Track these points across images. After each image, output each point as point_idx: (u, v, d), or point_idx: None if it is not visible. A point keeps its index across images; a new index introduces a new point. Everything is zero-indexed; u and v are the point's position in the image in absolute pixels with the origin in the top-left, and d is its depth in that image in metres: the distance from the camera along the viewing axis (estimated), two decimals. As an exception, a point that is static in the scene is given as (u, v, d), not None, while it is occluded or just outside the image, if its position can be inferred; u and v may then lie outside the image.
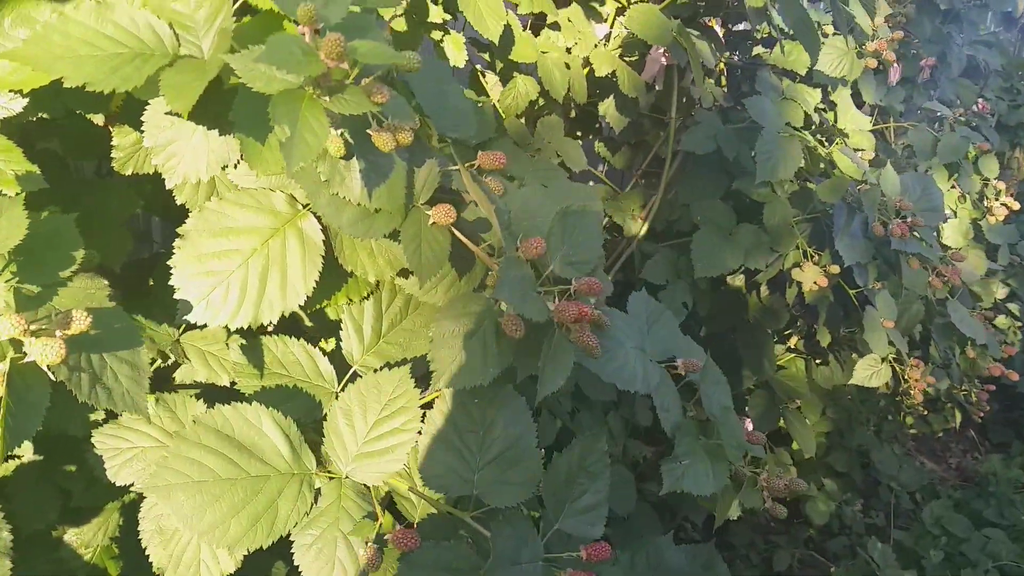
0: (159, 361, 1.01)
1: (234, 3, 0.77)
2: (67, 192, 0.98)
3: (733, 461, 1.07)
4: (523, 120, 1.68)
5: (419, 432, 0.86)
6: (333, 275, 0.90)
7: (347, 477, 0.85)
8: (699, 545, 1.77)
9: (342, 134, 0.71)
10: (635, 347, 1.05)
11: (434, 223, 0.82)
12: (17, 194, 0.72)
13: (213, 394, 1.02)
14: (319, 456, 0.86)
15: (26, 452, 0.93)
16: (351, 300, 0.96)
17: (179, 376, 1.01)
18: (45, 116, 0.82)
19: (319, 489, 0.84)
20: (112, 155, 0.89)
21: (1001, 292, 2.66)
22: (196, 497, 0.76)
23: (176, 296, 0.78)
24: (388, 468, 0.85)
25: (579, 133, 2.27)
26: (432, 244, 0.82)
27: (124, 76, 0.61)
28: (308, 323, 1.14)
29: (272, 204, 0.83)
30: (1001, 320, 2.91)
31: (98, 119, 0.83)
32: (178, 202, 0.89)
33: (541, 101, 1.63)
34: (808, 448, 2.47)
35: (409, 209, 0.81)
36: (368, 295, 0.98)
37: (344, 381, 0.96)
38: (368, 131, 0.70)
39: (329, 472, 0.85)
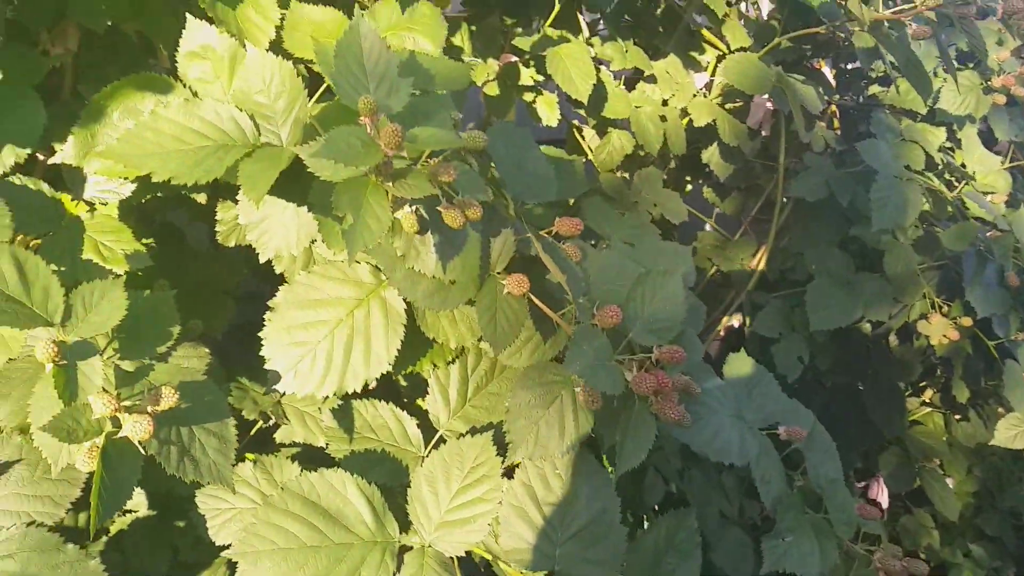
0: (261, 422, 1.06)
1: (320, 89, 0.81)
2: (180, 263, 1.06)
3: (843, 538, 1.00)
4: (622, 171, 1.67)
5: (500, 502, 0.86)
6: (418, 341, 0.92)
7: (430, 546, 0.85)
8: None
9: (416, 210, 0.73)
10: (731, 415, 1.00)
11: (508, 292, 0.82)
12: (124, 273, 0.78)
13: (311, 453, 1.06)
14: (404, 522, 0.87)
15: (140, 507, 0.99)
16: (436, 365, 0.97)
17: (279, 436, 1.05)
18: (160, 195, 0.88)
19: (403, 557, 0.85)
20: (216, 229, 0.95)
21: None
22: (281, 564, 0.78)
23: (266, 367, 0.82)
24: (470, 539, 0.85)
25: (688, 178, 2.23)
26: (508, 313, 0.82)
27: (207, 168, 0.65)
28: (403, 383, 1.17)
29: (357, 275, 0.86)
30: None
31: (201, 198, 0.89)
32: (277, 271, 0.93)
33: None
34: (950, 511, 2.27)
35: (484, 279, 0.82)
36: (454, 359, 0.99)
37: (431, 445, 0.97)
38: (438, 208, 0.71)
39: (412, 540, 0.86)
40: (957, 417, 2.34)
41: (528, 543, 0.84)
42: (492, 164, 0.93)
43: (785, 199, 1.81)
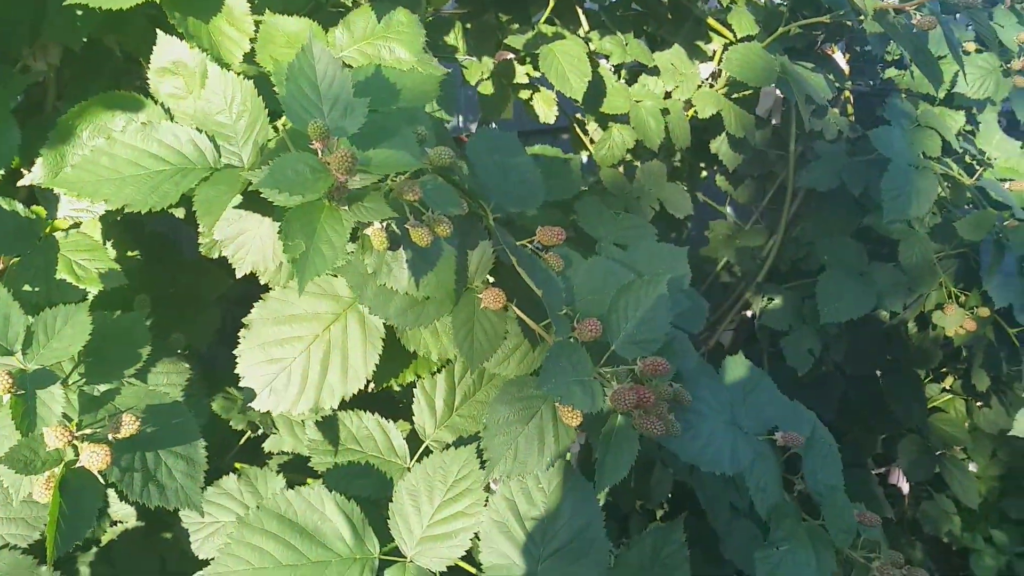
0: (249, 432, 1.06)
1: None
2: (168, 273, 1.05)
3: (840, 547, 0.97)
4: (633, 160, 1.64)
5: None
6: (399, 353, 0.91)
7: (411, 561, 0.85)
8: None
9: (387, 226, 0.71)
10: (725, 421, 0.98)
11: (486, 307, 0.80)
12: (100, 291, 0.77)
13: (301, 462, 1.05)
14: (386, 537, 0.86)
15: (129, 519, 1.00)
16: (420, 376, 0.96)
17: (268, 446, 1.05)
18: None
19: (383, 573, 0.84)
20: (199, 241, 0.94)
21: None
22: (258, 583, 0.78)
23: (241, 384, 0.81)
24: (451, 554, 0.84)
25: (702, 165, 2.19)
26: (486, 327, 0.80)
27: (162, 194, 0.64)
28: (396, 388, 1.16)
29: (334, 289, 0.85)
30: None
31: (179, 212, 0.88)
32: (261, 282, 0.93)
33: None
34: (969, 499, 2.23)
35: (461, 294, 0.80)
36: (439, 368, 0.97)
37: (416, 456, 0.96)
38: (406, 226, 0.69)
39: (393, 555, 0.85)
40: (979, 404, 2.28)
41: (509, 559, 0.83)
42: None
43: (797, 188, 1.76)
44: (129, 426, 0.63)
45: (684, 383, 0.95)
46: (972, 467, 2.51)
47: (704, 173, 2.21)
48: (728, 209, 2.19)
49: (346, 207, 0.61)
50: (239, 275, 0.83)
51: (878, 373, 2.15)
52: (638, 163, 1.60)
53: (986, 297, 1.60)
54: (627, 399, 0.76)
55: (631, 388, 0.77)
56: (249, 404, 0.81)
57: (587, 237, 1.19)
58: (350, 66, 0.79)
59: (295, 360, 0.82)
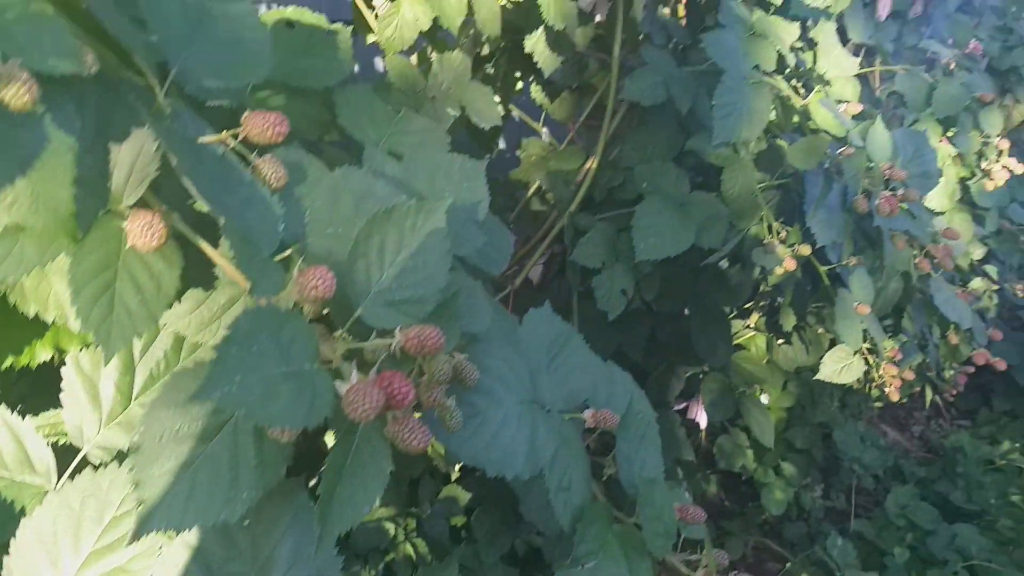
0: None
1: None
2: None
3: (657, 555, 0.77)
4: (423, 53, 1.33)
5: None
6: (16, 316, 0.56)
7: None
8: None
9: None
10: (523, 401, 0.72)
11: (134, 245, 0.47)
12: None
13: None
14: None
15: None
16: (63, 350, 0.62)
17: None
18: None
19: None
20: None
21: (979, 252, 2.34)
22: None
23: None
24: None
25: (518, 74, 1.89)
26: (139, 280, 0.48)
27: None
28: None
29: None
30: (976, 283, 2.61)
31: None
32: None
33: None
34: (766, 438, 2.21)
35: (94, 219, 0.47)
36: (103, 335, 0.63)
37: (68, 472, 0.62)
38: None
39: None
40: (780, 341, 2.25)
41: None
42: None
43: (619, 102, 1.53)
44: None
45: (472, 351, 0.69)
46: (764, 399, 2.53)
47: (520, 84, 1.92)
48: (543, 128, 1.93)
49: None
50: None
51: (686, 311, 2.03)
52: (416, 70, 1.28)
53: (807, 234, 1.47)
54: (368, 403, 0.47)
55: (375, 382, 0.48)
56: None
57: (354, 144, 0.87)
58: None
59: None
